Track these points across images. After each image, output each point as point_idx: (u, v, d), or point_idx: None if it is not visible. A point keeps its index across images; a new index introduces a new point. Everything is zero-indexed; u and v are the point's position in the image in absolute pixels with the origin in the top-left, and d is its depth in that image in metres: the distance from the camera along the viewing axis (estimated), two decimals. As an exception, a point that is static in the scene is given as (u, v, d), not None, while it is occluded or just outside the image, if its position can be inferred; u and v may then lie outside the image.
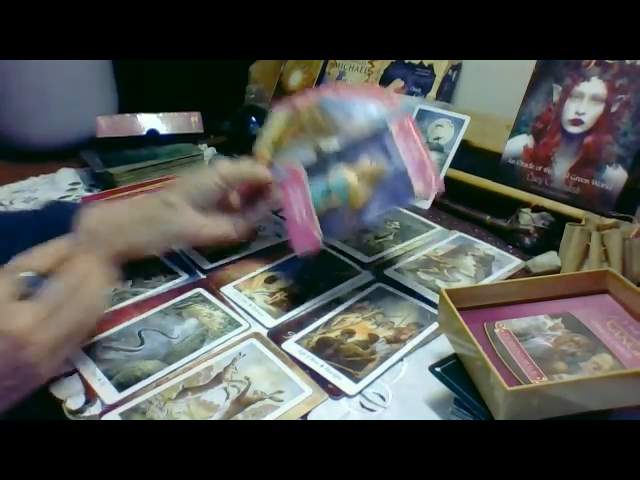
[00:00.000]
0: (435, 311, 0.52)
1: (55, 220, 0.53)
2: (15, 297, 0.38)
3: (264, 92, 1.07)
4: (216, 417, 0.43)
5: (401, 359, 0.49)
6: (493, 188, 0.75)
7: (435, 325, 0.53)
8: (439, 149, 0.80)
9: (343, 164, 0.53)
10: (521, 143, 0.75)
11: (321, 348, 0.50)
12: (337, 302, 0.57)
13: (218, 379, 0.47)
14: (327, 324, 0.54)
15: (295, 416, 0.43)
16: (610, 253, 0.57)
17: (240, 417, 0.43)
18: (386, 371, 0.48)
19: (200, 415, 0.43)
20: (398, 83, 0.94)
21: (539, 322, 0.45)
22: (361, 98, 0.54)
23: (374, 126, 0.52)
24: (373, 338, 0.52)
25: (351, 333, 0.52)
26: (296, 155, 0.55)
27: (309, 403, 0.44)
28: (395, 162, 0.51)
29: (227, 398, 0.45)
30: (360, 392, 0.46)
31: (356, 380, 0.47)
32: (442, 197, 0.78)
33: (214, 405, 0.44)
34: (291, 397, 0.45)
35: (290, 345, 0.51)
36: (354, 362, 0.49)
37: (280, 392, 0.45)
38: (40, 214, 0.56)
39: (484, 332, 0.44)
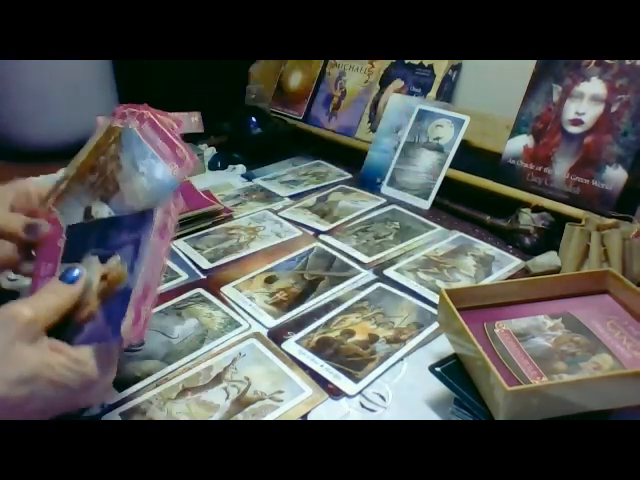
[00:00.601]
0: (435, 311, 0.52)
1: None
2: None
3: (264, 92, 1.07)
4: (216, 417, 0.43)
5: (401, 359, 0.49)
6: (493, 188, 0.75)
7: (435, 325, 0.53)
8: (439, 149, 0.80)
9: (96, 256, 0.41)
10: (521, 143, 0.75)
11: (321, 348, 0.50)
12: (337, 302, 0.57)
13: (218, 379, 0.47)
14: (327, 324, 0.54)
15: (295, 416, 0.43)
16: (610, 253, 0.57)
17: (240, 417, 0.43)
18: (386, 371, 0.48)
19: (200, 415, 0.43)
20: (398, 83, 0.94)
21: (539, 322, 0.45)
22: (159, 148, 0.44)
23: (148, 200, 0.42)
24: (373, 338, 0.52)
25: (351, 333, 0.52)
26: (68, 208, 0.45)
27: (309, 403, 0.44)
28: (132, 276, 0.40)
29: (227, 398, 0.45)
30: (360, 392, 0.46)
31: (356, 380, 0.47)
32: (442, 197, 0.78)
33: (214, 405, 0.44)
34: (291, 397, 0.45)
35: (290, 345, 0.51)
36: (354, 362, 0.49)
37: (280, 392, 0.45)
38: None
39: (484, 332, 0.44)
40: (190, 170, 0.44)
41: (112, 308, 0.39)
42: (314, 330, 0.53)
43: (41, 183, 0.48)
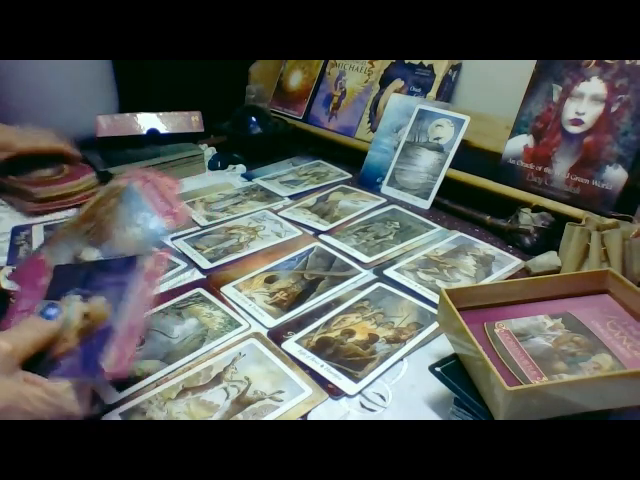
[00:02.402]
0: (435, 311, 0.52)
1: None
2: None
3: (264, 92, 1.07)
4: (216, 417, 0.43)
5: (401, 359, 0.49)
6: (493, 188, 0.75)
7: (435, 325, 0.53)
8: (439, 149, 0.80)
9: (80, 296, 0.43)
10: (521, 143, 0.75)
11: (321, 348, 0.50)
12: (337, 302, 0.57)
13: (218, 379, 0.47)
14: (327, 324, 0.54)
15: (295, 416, 0.43)
16: (610, 253, 0.57)
17: (240, 417, 0.43)
18: (386, 371, 0.48)
19: (200, 415, 0.43)
20: (398, 83, 0.94)
21: (539, 322, 0.45)
22: (156, 204, 0.48)
23: (138, 248, 0.46)
24: (373, 338, 0.52)
25: (351, 333, 0.52)
26: (59, 250, 0.48)
27: (309, 403, 0.44)
28: (116, 316, 0.41)
29: (227, 398, 0.45)
30: (360, 392, 0.46)
31: (356, 380, 0.47)
32: (442, 197, 0.78)
33: (214, 405, 0.44)
34: (291, 397, 0.45)
35: (290, 345, 0.51)
36: (354, 362, 0.49)
37: (280, 392, 0.45)
38: None
39: (484, 332, 0.44)
40: (182, 223, 0.48)
41: (92, 345, 0.40)
42: (314, 330, 0.53)
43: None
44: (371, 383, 0.47)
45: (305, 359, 0.49)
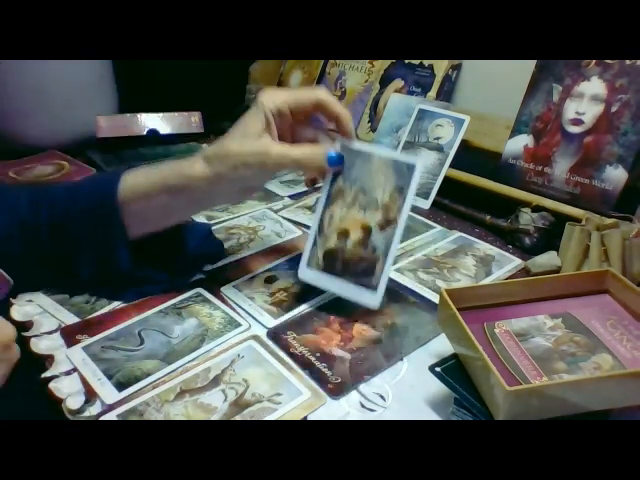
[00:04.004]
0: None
1: (101, 182, 0.55)
2: None
3: (264, 92, 1.07)
4: (214, 419, 0.43)
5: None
6: (493, 188, 0.75)
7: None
8: (439, 149, 0.80)
9: None
10: (521, 143, 0.75)
11: (330, 264, 0.52)
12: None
13: (216, 381, 0.47)
14: (320, 231, 0.55)
15: (293, 419, 0.43)
16: (610, 253, 0.57)
17: (238, 419, 0.43)
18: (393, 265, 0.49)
19: (198, 417, 0.43)
20: (398, 83, 0.94)
21: (539, 322, 0.45)
22: None
23: None
24: (367, 231, 0.52)
25: (346, 234, 0.53)
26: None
27: (306, 407, 0.44)
28: None
29: (225, 400, 0.45)
30: (381, 302, 0.49)
31: (374, 289, 0.49)
32: (442, 197, 0.78)
33: (212, 407, 0.44)
34: (289, 400, 0.45)
35: (303, 271, 0.54)
36: (364, 271, 0.50)
37: (278, 395, 0.45)
38: (86, 181, 0.57)
39: (484, 332, 0.44)
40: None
41: None
42: (314, 244, 0.54)
43: None
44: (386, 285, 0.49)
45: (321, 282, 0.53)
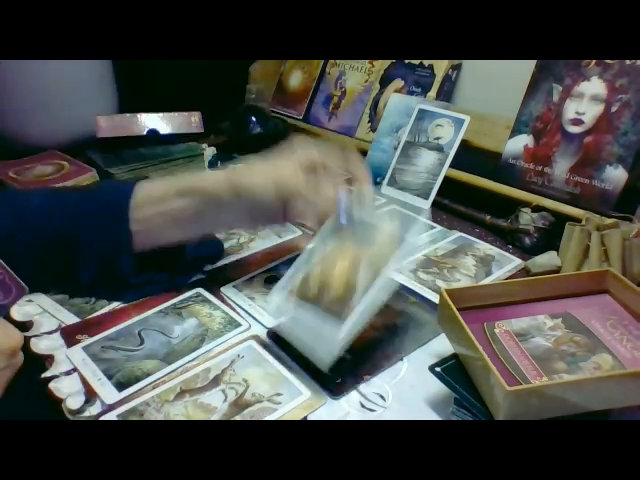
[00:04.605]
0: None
1: (113, 199, 0.54)
2: None
3: (264, 92, 1.07)
4: (214, 419, 0.43)
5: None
6: (493, 188, 0.75)
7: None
8: (439, 149, 0.80)
9: None
10: (521, 143, 0.75)
11: (305, 288, 0.47)
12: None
13: (216, 381, 0.47)
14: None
15: (293, 419, 0.43)
16: (610, 253, 0.57)
17: (238, 420, 0.43)
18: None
19: (197, 417, 0.43)
20: (398, 83, 0.94)
21: (539, 322, 0.45)
22: None
23: None
24: (355, 264, 0.48)
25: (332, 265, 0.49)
26: None
27: (306, 407, 0.44)
28: None
29: (225, 400, 0.45)
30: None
31: (342, 319, 0.44)
32: (442, 197, 0.78)
33: (212, 407, 0.44)
34: (289, 400, 0.45)
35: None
36: (337, 299, 0.45)
37: (278, 395, 0.45)
38: (98, 193, 0.57)
39: (484, 332, 0.44)
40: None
41: None
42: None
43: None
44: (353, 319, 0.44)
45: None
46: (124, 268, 0.54)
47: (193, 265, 0.62)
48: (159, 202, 0.53)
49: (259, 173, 0.53)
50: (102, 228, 0.52)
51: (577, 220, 0.62)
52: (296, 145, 0.55)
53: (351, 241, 0.50)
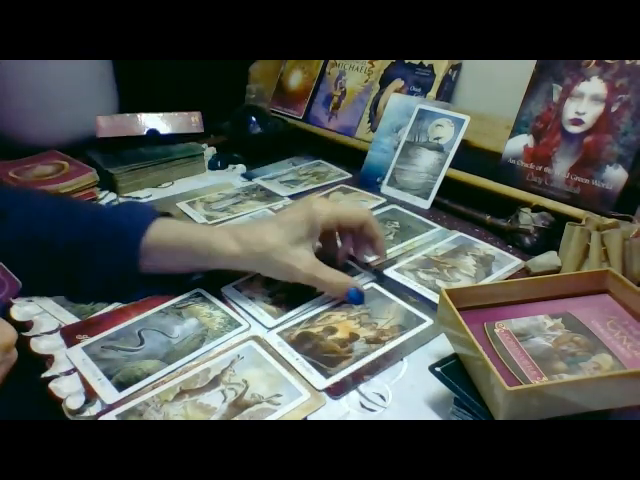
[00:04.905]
0: (421, 314, 0.54)
1: (130, 219, 0.55)
2: None
3: (264, 92, 1.07)
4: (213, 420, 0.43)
5: (376, 359, 0.49)
6: (493, 188, 0.75)
7: (419, 329, 0.53)
8: (439, 149, 0.80)
9: None
10: (521, 143, 0.75)
11: (301, 342, 0.51)
12: (331, 300, 0.57)
13: (216, 381, 0.47)
14: (311, 319, 0.54)
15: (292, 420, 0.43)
16: (610, 253, 0.57)
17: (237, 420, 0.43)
18: (360, 369, 0.48)
19: (197, 418, 0.43)
20: (398, 83, 0.94)
21: (539, 322, 0.45)
22: None
23: None
24: (353, 337, 0.52)
25: (333, 330, 0.52)
26: None
27: (306, 408, 0.44)
28: None
29: (224, 401, 0.45)
30: (327, 388, 0.46)
31: (327, 375, 0.47)
32: (442, 197, 0.78)
33: (211, 408, 0.44)
34: (289, 401, 0.45)
35: (272, 336, 0.52)
36: (329, 359, 0.49)
37: (278, 395, 0.45)
38: (115, 212, 0.57)
39: (484, 332, 0.44)
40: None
41: None
42: (297, 324, 0.53)
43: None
44: (340, 380, 0.47)
45: (282, 351, 0.50)
46: (128, 288, 0.55)
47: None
48: (169, 251, 0.54)
49: (272, 253, 0.54)
50: (111, 253, 0.53)
51: (577, 220, 0.62)
52: (316, 205, 0.55)
53: (358, 311, 0.55)
